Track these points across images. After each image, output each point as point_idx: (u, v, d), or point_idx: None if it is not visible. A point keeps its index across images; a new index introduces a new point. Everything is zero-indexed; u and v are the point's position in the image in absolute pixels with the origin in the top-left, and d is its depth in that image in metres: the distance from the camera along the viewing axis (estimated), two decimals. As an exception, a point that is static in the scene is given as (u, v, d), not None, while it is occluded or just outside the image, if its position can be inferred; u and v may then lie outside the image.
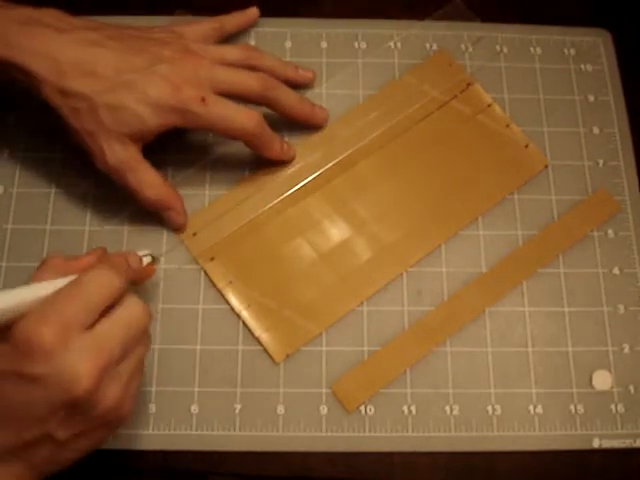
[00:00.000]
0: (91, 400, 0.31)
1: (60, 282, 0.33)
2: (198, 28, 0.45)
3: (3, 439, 0.31)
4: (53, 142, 0.45)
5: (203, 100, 0.40)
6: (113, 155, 0.40)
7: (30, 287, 0.33)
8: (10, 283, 0.42)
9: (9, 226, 0.44)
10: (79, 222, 0.44)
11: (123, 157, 0.40)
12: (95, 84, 0.39)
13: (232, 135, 0.42)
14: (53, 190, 0.45)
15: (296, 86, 0.46)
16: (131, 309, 0.34)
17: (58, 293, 0.32)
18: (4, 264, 0.43)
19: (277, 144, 0.44)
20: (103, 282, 0.33)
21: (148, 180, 0.41)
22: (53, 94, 0.39)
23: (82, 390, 0.30)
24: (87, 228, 0.44)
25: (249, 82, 0.42)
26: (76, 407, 0.31)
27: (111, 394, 0.32)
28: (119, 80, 0.39)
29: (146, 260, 0.40)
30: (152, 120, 0.39)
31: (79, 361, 0.30)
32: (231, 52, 0.44)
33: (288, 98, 0.44)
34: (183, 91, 0.39)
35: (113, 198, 0.44)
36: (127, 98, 0.39)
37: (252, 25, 0.49)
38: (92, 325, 0.32)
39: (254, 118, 0.41)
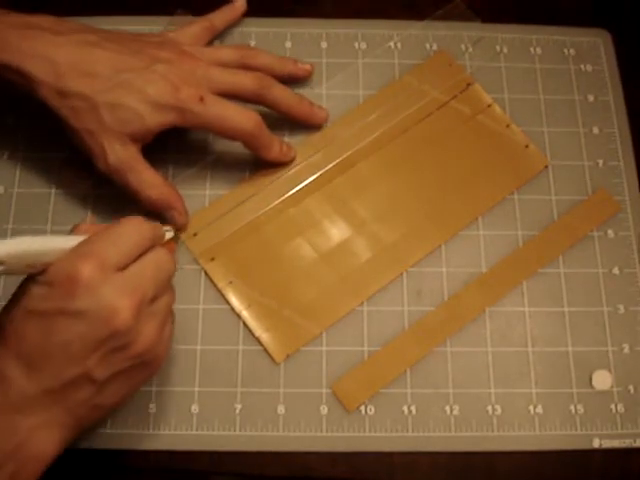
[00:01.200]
0: (129, 335, 0.32)
1: (83, 238, 0.34)
2: (189, 31, 0.45)
3: (43, 381, 0.31)
4: (53, 142, 0.45)
5: (202, 99, 0.40)
6: (114, 155, 0.40)
7: (57, 237, 0.33)
8: (10, 283, 0.42)
9: (9, 226, 0.44)
10: (79, 222, 0.44)
11: (124, 157, 0.40)
12: (94, 84, 0.39)
13: (230, 135, 0.42)
14: (53, 190, 0.45)
15: (296, 80, 0.46)
16: (159, 255, 0.35)
17: (93, 237, 0.33)
18: (4, 264, 0.43)
19: (276, 145, 0.44)
20: (135, 230, 0.34)
21: (149, 180, 0.41)
22: (51, 95, 0.39)
23: (121, 323, 0.31)
24: (87, 228, 0.44)
25: (245, 82, 0.42)
26: (115, 343, 0.32)
27: (148, 331, 0.33)
28: (118, 80, 0.39)
29: (168, 235, 0.40)
30: (152, 119, 0.39)
31: (117, 297, 0.31)
32: (226, 53, 0.44)
33: (286, 97, 0.44)
34: (182, 90, 0.39)
35: (113, 198, 0.44)
36: (127, 97, 0.39)
37: (241, 17, 0.49)
38: (125, 268, 0.33)
39: (252, 119, 0.41)
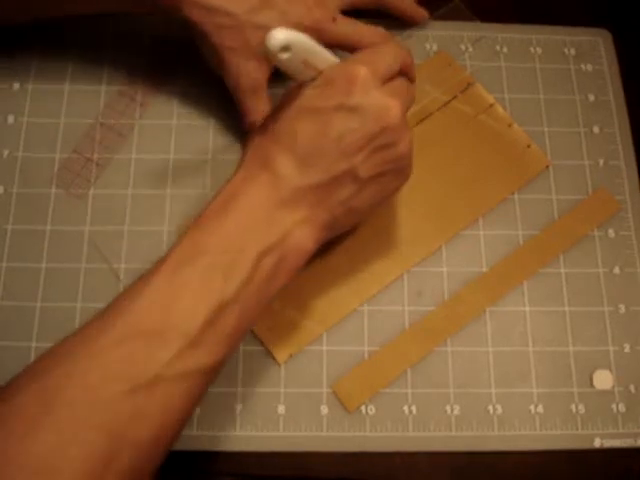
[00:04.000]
0: (396, 133, 0.34)
1: None
2: None
3: (313, 176, 0.33)
4: (53, 142, 0.45)
5: (334, 20, 0.42)
6: (247, 76, 0.41)
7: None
8: (10, 283, 0.42)
9: (9, 226, 0.43)
10: (79, 222, 0.44)
11: (255, 79, 0.42)
12: (241, 2, 0.40)
13: (358, 46, 0.42)
14: (53, 190, 0.44)
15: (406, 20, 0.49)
16: (406, 81, 0.37)
17: (361, 52, 0.36)
18: (4, 264, 0.42)
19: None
20: (395, 52, 0.36)
21: (261, 108, 0.42)
22: (196, 10, 0.39)
23: (392, 119, 0.34)
24: (87, 228, 0.44)
25: None
26: (383, 141, 0.34)
27: (408, 137, 0.35)
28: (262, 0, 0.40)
29: None
30: None
31: (388, 97, 0.34)
32: None
33: None
34: (314, 11, 0.41)
35: (113, 198, 0.44)
36: (271, 18, 0.40)
37: None
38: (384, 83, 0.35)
39: (382, 34, 0.44)
